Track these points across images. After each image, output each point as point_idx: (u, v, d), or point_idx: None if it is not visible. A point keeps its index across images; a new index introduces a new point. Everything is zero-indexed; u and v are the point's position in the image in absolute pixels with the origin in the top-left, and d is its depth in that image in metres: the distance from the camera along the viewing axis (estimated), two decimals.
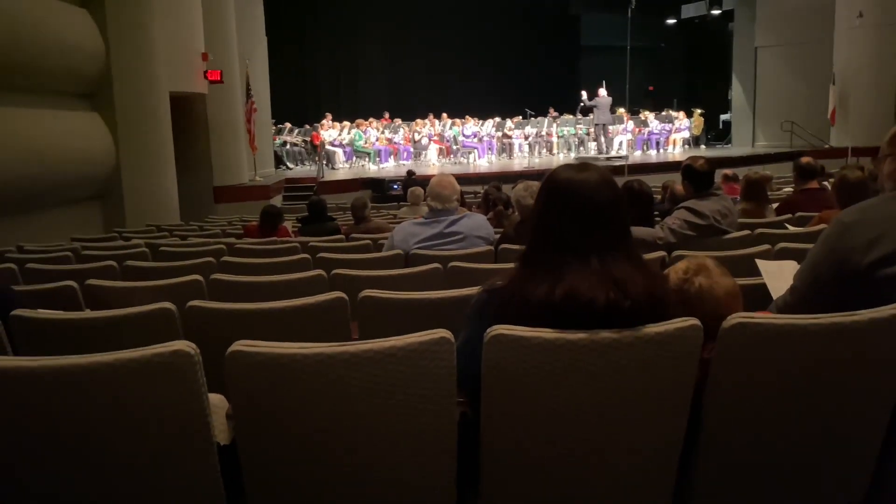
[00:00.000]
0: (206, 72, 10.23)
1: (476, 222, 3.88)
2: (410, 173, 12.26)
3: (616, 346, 1.36)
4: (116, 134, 7.96)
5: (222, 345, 2.19)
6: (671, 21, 23.61)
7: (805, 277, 1.81)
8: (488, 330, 1.36)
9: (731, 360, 1.46)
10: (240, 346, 1.33)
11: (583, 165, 1.53)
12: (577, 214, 1.43)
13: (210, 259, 3.66)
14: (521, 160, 16.79)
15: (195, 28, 10.04)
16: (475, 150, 16.90)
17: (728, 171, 8.60)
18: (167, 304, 2.13)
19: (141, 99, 8.13)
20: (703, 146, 19.98)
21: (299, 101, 18.76)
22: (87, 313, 2.23)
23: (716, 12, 21.72)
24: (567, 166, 1.53)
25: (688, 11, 22.83)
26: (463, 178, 13.18)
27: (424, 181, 10.79)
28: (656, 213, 4.80)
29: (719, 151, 18.67)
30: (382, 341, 1.33)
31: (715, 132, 21.41)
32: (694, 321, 1.41)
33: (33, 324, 2.12)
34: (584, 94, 17.03)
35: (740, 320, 1.43)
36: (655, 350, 1.38)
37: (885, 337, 1.45)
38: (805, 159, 5.23)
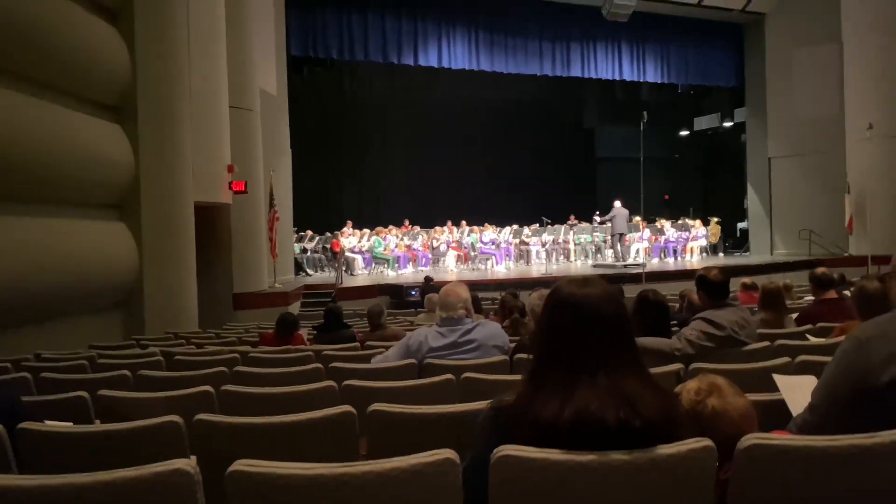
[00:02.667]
0: (231, 183, 10.58)
1: (491, 331, 3.86)
2: (428, 279, 12.33)
3: (628, 467, 1.32)
4: (141, 243, 8.14)
5: (228, 459, 2.15)
6: (684, 133, 24.32)
7: (823, 395, 1.76)
8: (495, 450, 1.32)
9: (748, 481, 1.40)
10: (240, 465, 1.31)
11: (585, 280, 1.53)
12: (582, 330, 1.42)
13: (223, 369, 3.65)
14: (538, 267, 16.87)
15: (223, 141, 10.46)
16: (493, 257, 17.04)
17: (747, 280, 8.57)
18: (174, 418, 2.11)
19: (167, 210, 8.36)
20: (720, 254, 20.01)
21: (321, 209, 19.22)
22: (94, 427, 2.21)
23: (728, 124, 22.36)
24: (569, 281, 1.53)
25: (700, 124, 23.56)
26: (481, 285, 13.27)
27: (442, 287, 10.88)
28: (674, 322, 4.77)
29: (737, 259, 18.67)
30: (385, 462, 1.30)
31: (732, 240, 21.50)
32: (708, 442, 1.37)
33: (40, 437, 2.10)
34: (598, 215, 17.36)
35: (756, 441, 1.38)
36: (669, 472, 1.34)
37: None
38: (820, 270, 5.21)
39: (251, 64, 11.73)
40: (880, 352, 1.64)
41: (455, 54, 17.04)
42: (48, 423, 2.42)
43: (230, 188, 10.58)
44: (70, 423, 2.54)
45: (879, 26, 16.76)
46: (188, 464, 1.30)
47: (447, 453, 1.32)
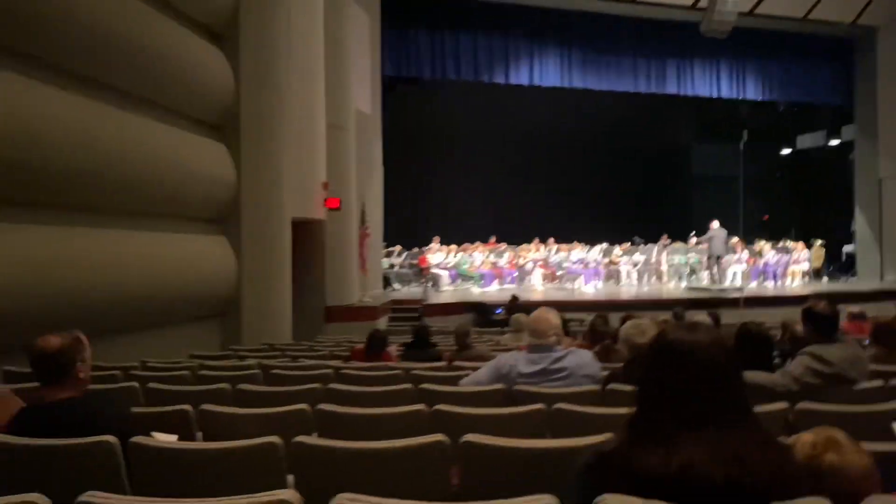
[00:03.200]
0: (325, 199, 10.89)
1: (582, 360, 3.79)
2: (514, 298, 12.25)
3: None
4: (240, 256, 8.50)
5: (324, 481, 2.20)
6: (786, 151, 23.28)
7: None
8: (598, 499, 1.29)
9: None
10: (343, 499, 1.33)
11: (694, 325, 1.48)
12: (689, 378, 1.37)
13: (318, 385, 3.75)
14: (628, 288, 16.49)
15: (318, 158, 10.79)
16: (581, 277, 16.79)
17: (855, 309, 8.11)
18: (273, 439, 2.17)
19: (265, 224, 8.70)
20: (824, 279, 18.98)
21: (410, 225, 19.51)
22: (199, 444, 2.31)
23: (833, 143, 21.26)
24: (677, 327, 1.48)
25: (803, 142, 22.50)
26: (568, 305, 13.08)
27: (528, 307, 10.80)
28: (776, 353, 4.55)
29: (843, 285, 17.65)
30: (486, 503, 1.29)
31: (837, 264, 20.36)
32: (824, 502, 1.29)
33: (149, 451, 2.21)
34: (694, 236, 16.84)
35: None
36: None
37: None
38: None
39: (348, 84, 12.06)
40: None
41: (546, 72, 16.99)
42: (155, 435, 2.54)
43: (325, 205, 10.88)
44: (175, 437, 2.66)
45: None
46: (294, 494, 1.34)
47: (548, 499, 1.30)
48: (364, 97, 13.75)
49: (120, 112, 6.46)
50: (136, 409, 3.06)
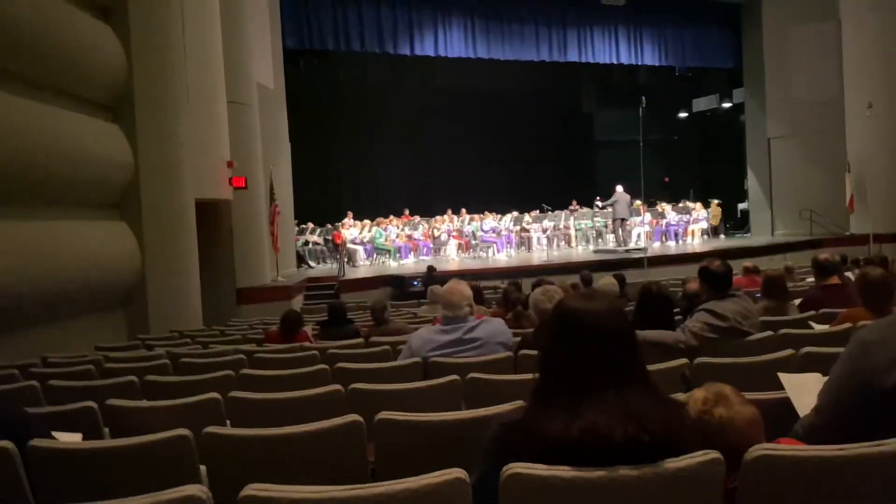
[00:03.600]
0: (231, 178, 10.57)
1: (495, 328, 3.87)
2: (431, 269, 12.33)
3: (636, 482, 1.33)
4: (142, 242, 8.15)
5: (238, 471, 2.17)
6: (683, 115, 24.25)
7: (828, 398, 1.77)
8: (504, 468, 1.33)
9: (756, 492, 1.42)
10: (252, 490, 1.32)
11: (590, 294, 1.54)
12: (588, 345, 1.43)
13: (229, 372, 3.67)
14: (539, 254, 16.88)
15: (221, 136, 10.44)
16: (494, 245, 17.05)
17: (749, 264, 8.60)
18: (183, 432, 2.12)
19: (167, 207, 8.36)
20: (722, 236, 20.02)
21: (321, 201, 19.22)
22: (104, 442, 2.23)
23: (726, 105, 22.29)
24: (575, 296, 1.54)
25: (699, 105, 23.50)
26: (483, 274, 13.28)
27: (445, 277, 10.91)
28: (677, 310, 4.78)
29: (739, 241, 18.66)
30: (395, 484, 1.31)
31: (733, 221, 21.49)
32: (715, 454, 1.38)
33: (50, 454, 2.11)
34: (599, 200, 17.39)
35: (763, 452, 1.39)
36: (677, 485, 1.35)
37: None
38: (822, 256, 5.20)
39: (247, 58, 11.67)
40: (884, 355, 1.64)
41: (451, 42, 16.96)
42: (58, 435, 2.43)
43: (230, 184, 10.57)
44: (79, 436, 2.56)
45: (876, 4, 16.66)
46: (201, 489, 1.31)
47: (457, 473, 1.33)
48: (266, 71, 13.34)
49: (2, 94, 6.02)
50: (34, 410, 2.91)
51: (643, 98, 16.33)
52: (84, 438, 2.60)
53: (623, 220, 16.49)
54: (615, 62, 19.05)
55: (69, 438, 2.49)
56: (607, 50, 18.63)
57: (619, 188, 16.35)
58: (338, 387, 2.91)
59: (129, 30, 8.11)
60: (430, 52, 16.90)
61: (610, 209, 16.83)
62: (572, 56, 18.28)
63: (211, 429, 2.16)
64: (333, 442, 2.11)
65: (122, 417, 2.86)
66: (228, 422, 2.88)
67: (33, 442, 2.11)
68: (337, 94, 20.18)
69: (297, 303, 11.80)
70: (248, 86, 11.69)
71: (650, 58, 19.27)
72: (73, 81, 7.23)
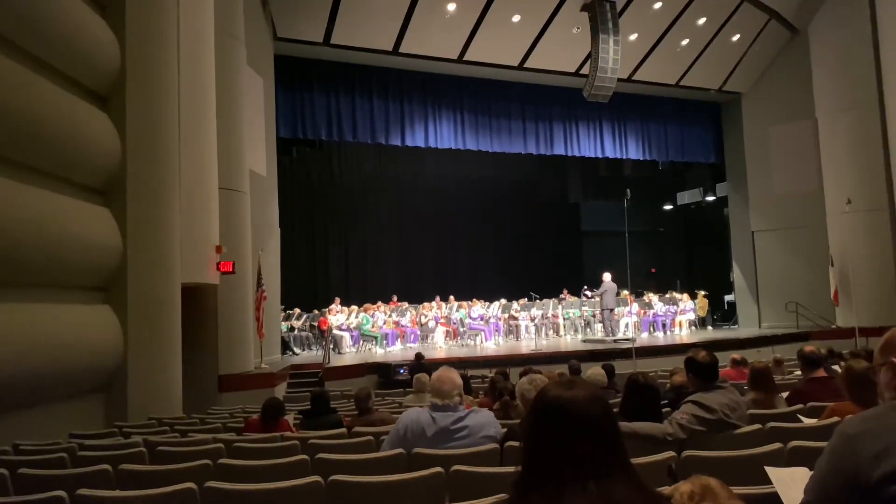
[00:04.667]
0: (219, 263, 10.57)
1: (484, 419, 3.80)
2: (419, 356, 12.20)
3: None
4: (126, 327, 8.03)
5: None
6: (668, 207, 24.77)
7: (814, 492, 1.74)
8: None
9: None
10: None
11: (571, 382, 1.52)
12: (568, 434, 1.41)
13: (207, 461, 3.56)
14: (528, 342, 16.80)
15: (211, 222, 10.51)
16: (482, 333, 16.98)
17: (737, 356, 8.60)
18: None
19: (154, 292, 8.30)
20: (709, 327, 20.06)
21: (309, 287, 19.23)
22: None
23: (710, 199, 22.83)
24: (555, 384, 1.52)
25: (683, 198, 24.05)
26: (470, 362, 13.16)
27: (433, 364, 10.79)
28: (665, 401, 4.74)
29: (726, 333, 18.68)
30: None
31: (721, 313, 21.59)
32: None
33: None
34: (587, 290, 17.57)
35: None
36: None
37: None
38: (808, 348, 5.22)
39: (241, 146, 11.92)
40: (869, 449, 1.63)
41: (441, 134, 17.45)
42: None
43: (218, 269, 10.57)
44: None
45: (850, 104, 17.41)
46: None
47: None
48: (259, 159, 13.62)
49: None
50: (2, 500, 2.81)
51: (627, 191, 16.74)
52: None
53: (611, 310, 16.54)
54: (600, 155, 19.60)
55: None
56: (592, 144, 19.19)
57: (607, 276, 16.48)
58: (317, 478, 2.83)
59: (125, 116, 8.28)
60: (421, 143, 17.34)
61: (598, 299, 16.90)
62: (558, 149, 18.80)
63: None
64: None
65: None
66: None
67: None
68: (328, 180, 20.57)
69: (281, 390, 11.59)
70: (241, 173, 11.89)
71: (634, 152, 19.84)
72: (64, 165, 7.30)
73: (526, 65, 17.16)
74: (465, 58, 16.59)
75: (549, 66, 17.41)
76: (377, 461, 3.49)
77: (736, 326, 20.32)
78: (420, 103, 17.26)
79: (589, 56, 15.62)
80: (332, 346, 15.18)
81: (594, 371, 7.38)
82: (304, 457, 3.59)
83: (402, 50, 15.88)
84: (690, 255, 24.56)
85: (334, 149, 20.18)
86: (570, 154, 19.16)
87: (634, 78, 18.07)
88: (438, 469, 2.89)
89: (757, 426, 3.66)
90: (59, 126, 7.03)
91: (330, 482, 2.79)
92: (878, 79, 17.02)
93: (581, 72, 17.25)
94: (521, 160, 20.47)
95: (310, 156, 19.64)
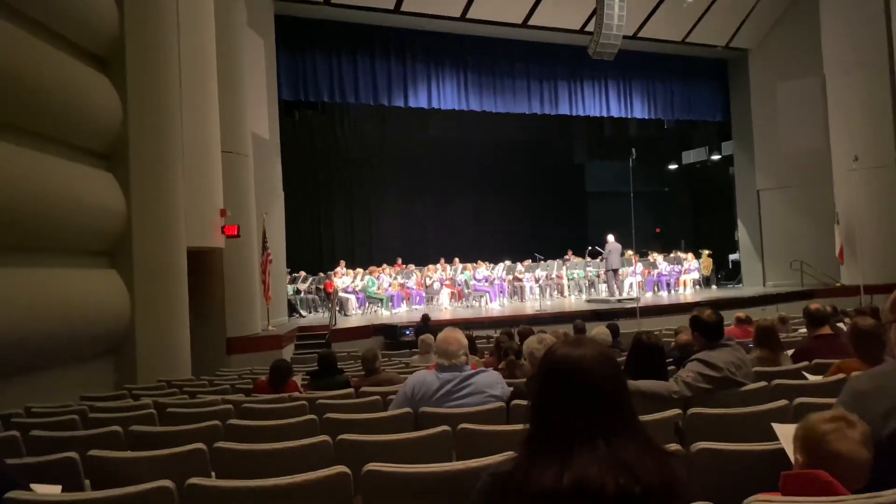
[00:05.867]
0: (223, 227, 10.58)
1: (490, 378, 3.82)
2: (426, 318, 12.24)
3: None
4: (133, 290, 8.08)
5: None
6: (673, 167, 24.58)
7: None
8: None
9: None
10: None
11: (579, 341, 1.51)
12: (577, 393, 1.40)
13: (216, 422, 3.60)
14: (532, 303, 16.85)
15: (215, 186, 10.48)
16: (487, 294, 17.03)
17: (741, 314, 8.59)
18: (166, 483, 2.07)
19: (159, 256, 8.33)
20: (713, 286, 20.07)
21: (314, 250, 19.25)
22: (82, 495, 2.16)
23: (715, 158, 22.63)
24: (563, 343, 1.51)
25: (688, 158, 23.85)
26: (475, 323, 13.22)
27: (438, 326, 10.83)
28: (670, 360, 4.75)
29: (730, 292, 18.71)
30: None
31: (725, 272, 21.58)
32: None
33: None
34: (592, 251, 17.57)
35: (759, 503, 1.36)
36: None
37: None
38: (814, 306, 5.20)
39: (243, 109, 11.82)
40: (878, 406, 1.63)
41: (444, 95, 17.25)
42: (36, 488, 2.37)
43: (223, 232, 10.57)
44: (59, 488, 2.49)
45: (859, 60, 17.10)
46: None
47: None
48: (261, 122, 13.51)
49: None
50: (14, 461, 2.84)
51: (633, 150, 16.58)
52: (64, 490, 2.54)
53: (616, 270, 16.53)
54: (605, 115, 19.39)
55: (48, 490, 2.42)
56: (597, 103, 18.96)
57: (611, 238, 16.46)
58: (326, 438, 2.86)
59: (126, 81, 8.21)
60: (424, 105, 17.17)
61: (603, 259, 16.92)
62: (563, 109, 18.60)
63: (194, 480, 2.10)
64: (320, 494, 2.05)
65: (105, 468, 2.79)
66: (213, 473, 2.81)
67: (10, 494, 2.05)
68: (331, 143, 20.42)
69: (288, 352, 11.69)
70: (244, 136, 11.82)
71: (640, 111, 19.62)
72: (67, 130, 7.27)
73: (530, 22, 16.87)
74: (468, 16, 16.30)
75: (553, 24, 17.12)
76: (385, 420, 3.53)
77: (740, 285, 20.33)
78: (423, 63, 17.03)
79: (594, 13, 15.33)
80: (338, 309, 15.26)
81: (599, 330, 7.41)
82: (313, 417, 3.62)
83: (403, 8, 15.62)
84: (695, 214, 24.45)
85: (337, 111, 20.00)
86: (574, 114, 18.95)
87: (640, 35, 17.77)
88: (445, 428, 2.91)
89: (762, 383, 3.66)
90: (58, 89, 6.97)
91: (338, 441, 2.82)
92: (889, 34, 16.71)
93: (586, 29, 16.95)
94: (525, 121, 20.27)
95: (312, 119, 19.48)
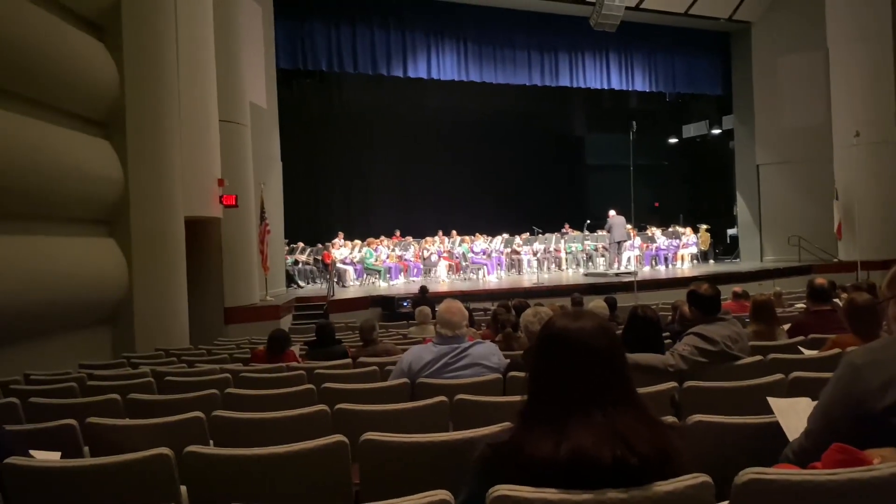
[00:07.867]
0: (221, 196, 10.54)
1: (487, 350, 3.83)
2: (423, 290, 12.27)
3: None
4: (131, 258, 8.08)
5: (220, 490, 2.13)
6: (673, 140, 24.46)
7: (819, 420, 1.75)
8: (490, 491, 1.31)
9: None
10: None
11: (578, 313, 1.51)
12: (575, 364, 1.40)
13: (214, 391, 3.62)
14: (530, 276, 16.87)
15: (213, 155, 10.42)
16: (484, 267, 17.04)
17: (738, 289, 8.62)
18: (164, 450, 2.08)
19: (157, 225, 8.31)
20: (711, 261, 20.09)
21: (312, 221, 19.20)
22: (81, 461, 2.17)
23: (716, 132, 22.51)
24: (562, 315, 1.51)
25: (688, 131, 23.72)
26: (473, 295, 13.25)
27: (435, 298, 10.86)
28: (666, 333, 4.77)
29: (728, 266, 18.73)
30: None
31: (723, 247, 21.59)
32: (705, 478, 1.36)
33: (27, 472, 2.06)
34: (590, 225, 17.54)
35: (754, 476, 1.37)
36: None
37: None
38: (819, 281, 5.18)
39: (241, 78, 11.70)
40: (876, 378, 1.63)
41: (444, 65, 17.09)
42: (35, 454, 2.38)
43: (221, 202, 10.54)
44: (58, 454, 2.50)
45: (863, 35, 16.93)
46: None
47: (442, 494, 1.30)
48: (259, 91, 13.39)
49: None
50: (13, 427, 2.86)
51: (633, 123, 16.49)
52: (63, 457, 2.55)
53: (620, 243, 16.52)
54: (606, 87, 19.25)
55: (47, 457, 2.44)
56: (598, 75, 18.81)
57: (612, 212, 16.42)
58: (323, 407, 2.87)
59: (123, 48, 8.12)
60: (423, 75, 17.02)
61: (604, 233, 16.90)
62: (564, 81, 18.45)
63: (192, 448, 2.12)
64: (317, 463, 2.07)
65: (103, 436, 2.81)
66: (211, 441, 2.83)
67: (10, 460, 2.06)
68: (329, 114, 20.26)
69: (286, 322, 11.72)
70: (241, 105, 11.71)
71: (640, 84, 19.47)
72: (62, 96, 7.20)
73: None
74: None
75: None
76: (382, 390, 3.54)
77: (738, 260, 20.36)
78: (422, 33, 16.85)
79: None
80: (335, 280, 15.28)
81: (596, 304, 7.42)
82: (311, 386, 3.63)
83: None
84: (694, 188, 24.38)
85: (335, 81, 19.79)
86: (575, 85, 18.80)
87: (642, 6, 17.54)
88: (442, 398, 2.92)
89: (758, 357, 3.68)
90: (53, 54, 6.89)
91: (336, 411, 2.83)
92: (893, 8, 16.52)
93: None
94: (525, 92, 20.09)
95: (310, 88, 19.30)
